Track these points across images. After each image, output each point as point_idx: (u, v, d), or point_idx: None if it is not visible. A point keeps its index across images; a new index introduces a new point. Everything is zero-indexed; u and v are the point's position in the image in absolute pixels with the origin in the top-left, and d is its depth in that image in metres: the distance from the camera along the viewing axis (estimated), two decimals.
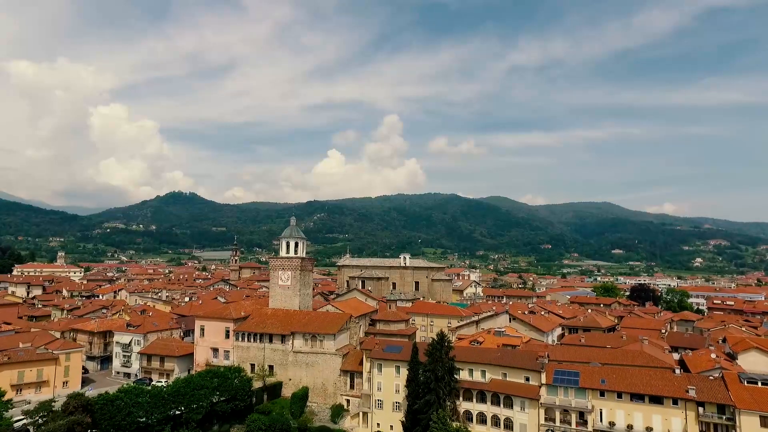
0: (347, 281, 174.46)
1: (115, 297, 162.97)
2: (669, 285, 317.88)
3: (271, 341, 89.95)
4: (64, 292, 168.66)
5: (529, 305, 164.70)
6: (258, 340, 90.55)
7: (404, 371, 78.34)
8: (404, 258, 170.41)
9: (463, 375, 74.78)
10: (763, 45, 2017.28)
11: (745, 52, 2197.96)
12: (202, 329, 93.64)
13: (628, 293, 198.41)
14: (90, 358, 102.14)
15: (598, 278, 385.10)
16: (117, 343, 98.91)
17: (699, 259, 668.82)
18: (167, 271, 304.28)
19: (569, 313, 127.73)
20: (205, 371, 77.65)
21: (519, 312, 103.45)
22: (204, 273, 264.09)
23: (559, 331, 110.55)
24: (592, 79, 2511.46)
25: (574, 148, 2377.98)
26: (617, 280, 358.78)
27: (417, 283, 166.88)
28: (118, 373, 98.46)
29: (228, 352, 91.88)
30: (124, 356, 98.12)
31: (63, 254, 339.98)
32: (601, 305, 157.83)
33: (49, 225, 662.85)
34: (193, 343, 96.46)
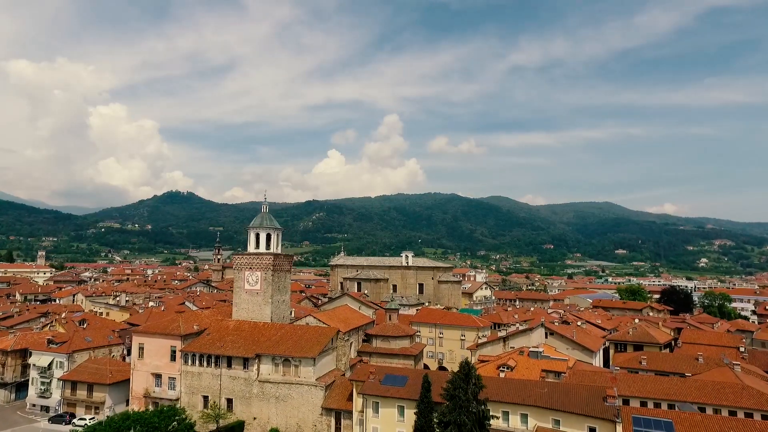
0: (341, 283, 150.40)
1: (74, 301, 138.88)
2: (687, 287, 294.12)
3: (230, 366, 65.71)
4: (17, 296, 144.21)
5: (549, 311, 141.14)
6: (213, 365, 66.28)
7: (410, 413, 54.27)
8: (406, 256, 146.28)
9: (494, 422, 50.63)
10: (765, 45, 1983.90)
11: (747, 53, 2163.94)
12: (141, 348, 69.25)
13: (656, 296, 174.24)
14: (2, 384, 77.68)
15: (609, 279, 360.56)
16: (34, 365, 74.53)
17: (704, 260, 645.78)
18: (156, 271, 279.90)
19: (608, 322, 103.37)
20: (122, 416, 53.24)
21: (555, 324, 79.04)
22: (185, 273, 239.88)
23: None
24: (593, 80, 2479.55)
25: (574, 149, 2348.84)
26: (630, 281, 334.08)
27: (421, 286, 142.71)
28: (34, 405, 74.01)
29: (174, 379, 67.64)
30: (42, 383, 73.72)
31: (43, 253, 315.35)
32: (651, 313, 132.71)
33: (42, 224, 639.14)
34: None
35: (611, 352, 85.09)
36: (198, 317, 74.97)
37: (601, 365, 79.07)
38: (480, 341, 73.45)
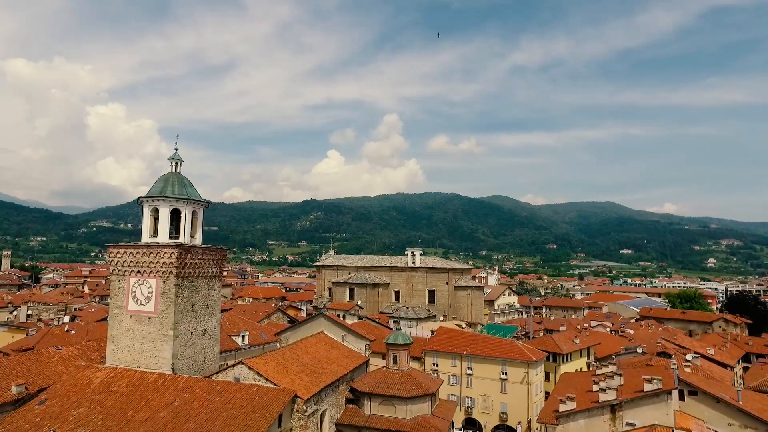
0: (329, 288, 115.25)
1: None
2: (716, 289, 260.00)
3: None
4: None
5: (593, 324, 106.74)
6: None
7: None
8: (412, 255, 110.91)
9: None
10: (767, 44, 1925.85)
11: (749, 52, 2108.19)
12: None
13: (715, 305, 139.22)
14: None
15: (629, 281, 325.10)
16: None
17: (712, 260, 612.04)
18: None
19: (720, 353, 67.63)
20: None
21: (687, 371, 43.47)
22: None
23: None
24: (594, 79, 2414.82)
25: (574, 149, 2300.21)
26: (652, 282, 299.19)
27: (432, 293, 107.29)
28: None
29: None
30: None
31: (9, 253, 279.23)
32: (725, 327, 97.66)
33: (31, 224, 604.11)
34: None
35: None
36: (42, 363, 39.54)
37: None
38: (563, 407, 38.30)
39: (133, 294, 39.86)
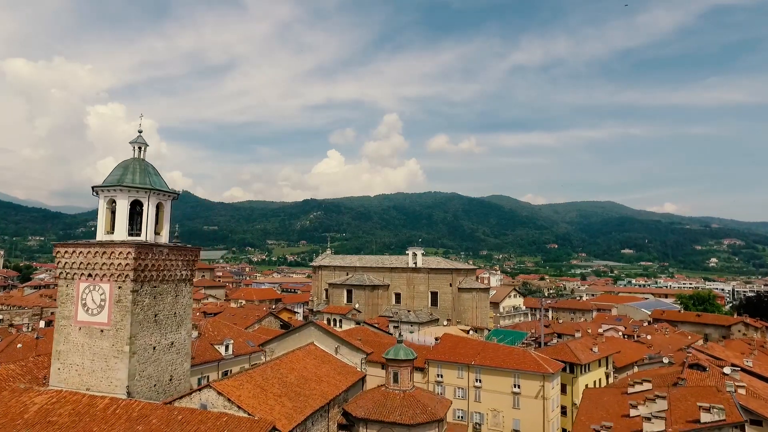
0: (326, 290, 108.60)
1: None
2: (722, 289, 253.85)
3: None
4: None
5: (603, 327, 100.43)
6: None
7: None
8: (413, 255, 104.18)
9: None
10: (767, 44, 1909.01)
11: (749, 52, 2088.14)
12: None
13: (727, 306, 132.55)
14: None
15: (633, 281, 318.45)
16: None
17: (714, 259, 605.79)
18: None
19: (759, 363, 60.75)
20: None
21: (759, 404, 36.83)
22: None
23: None
24: (594, 79, 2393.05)
25: (574, 149, 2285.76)
26: (657, 283, 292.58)
27: (434, 295, 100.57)
28: None
29: None
30: None
31: (2, 252, 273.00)
32: (745, 332, 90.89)
33: (29, 223, 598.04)
34: None
35: None
36: None
37: None
38: None
39: (83, 302, 33.20)
